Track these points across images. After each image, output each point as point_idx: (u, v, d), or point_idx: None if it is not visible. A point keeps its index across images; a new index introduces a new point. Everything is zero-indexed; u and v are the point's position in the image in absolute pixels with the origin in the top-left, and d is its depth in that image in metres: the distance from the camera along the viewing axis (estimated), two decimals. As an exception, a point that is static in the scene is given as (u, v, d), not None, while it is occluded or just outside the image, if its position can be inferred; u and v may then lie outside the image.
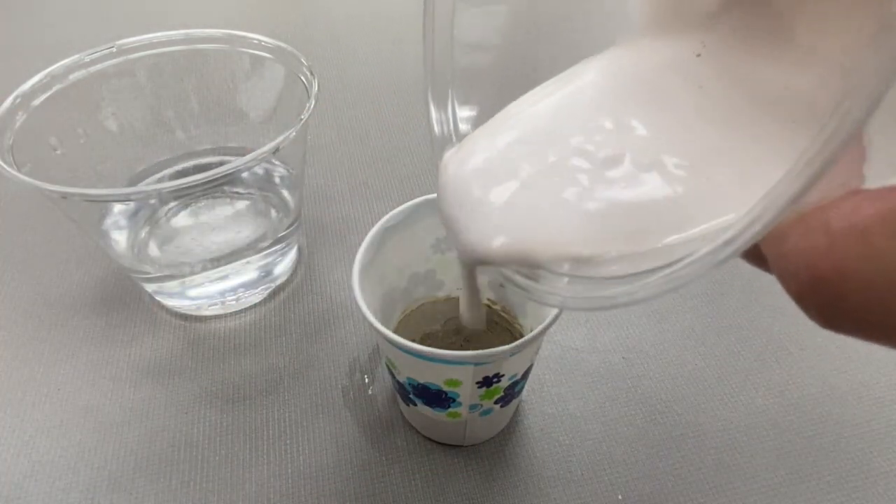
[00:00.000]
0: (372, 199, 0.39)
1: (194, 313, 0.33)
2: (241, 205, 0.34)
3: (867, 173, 0.10)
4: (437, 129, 0.18)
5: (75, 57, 0.30)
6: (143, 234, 0.32)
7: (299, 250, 0.36)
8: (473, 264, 0.18)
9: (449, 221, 0.16)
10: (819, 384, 0.30)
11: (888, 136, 0.10)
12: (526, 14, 0.18)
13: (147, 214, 0.32)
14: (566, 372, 0.30)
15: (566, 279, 0.14)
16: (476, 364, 0.21)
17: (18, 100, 0.28)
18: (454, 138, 0.18)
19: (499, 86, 0.17)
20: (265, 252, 0.32)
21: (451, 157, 0.16)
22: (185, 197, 0.32)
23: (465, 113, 0.18)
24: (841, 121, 0.08)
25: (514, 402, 0.26)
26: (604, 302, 0.13)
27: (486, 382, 0.22)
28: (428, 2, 0.16)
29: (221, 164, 0.24)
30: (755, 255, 0.11)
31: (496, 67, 0.18)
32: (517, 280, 0.16)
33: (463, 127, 0.18)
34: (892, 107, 0.08)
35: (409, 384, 0.23)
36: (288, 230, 0.33)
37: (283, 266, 0.34)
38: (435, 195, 0.26)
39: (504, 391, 0.24)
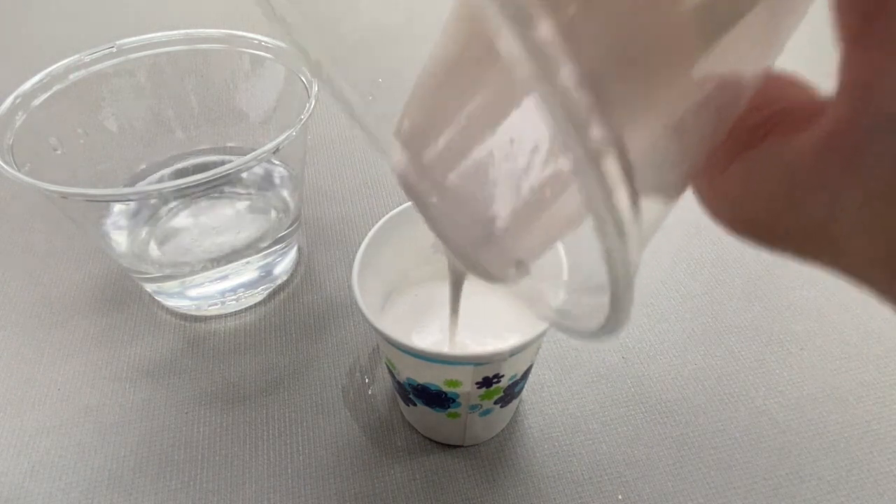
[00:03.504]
0: (372, 199, 0.39)
1: (194, 313, 0.33)
2: (241, 205, 0.34)
3: (768, 60, 0.10)
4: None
5: (75, 57, 0.30)
6: (143, 234, 0.32)
7: (299, 250, 0.36)
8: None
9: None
10: (819, 384, 0.30)
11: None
12: None
13: (147, 214, 0.32)
14: (566, 372, 0.30)
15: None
16: (476, 364, 0.21)
17: (18, 100, 0.28)
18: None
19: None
20: (265, 252, 0.32)
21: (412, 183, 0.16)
22: (186, 197, 0.32)
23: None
24: None
25: (514, 402, 0.26)
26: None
27: (486, 383, 0.22)
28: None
29: (222, 164, 0.24)
30: None
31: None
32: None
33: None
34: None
35: (409, 384, 0.23)
36: (288, 230, 0.33)
37: (283, 266, 0.34)
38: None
39: (504, 391, 0.24)
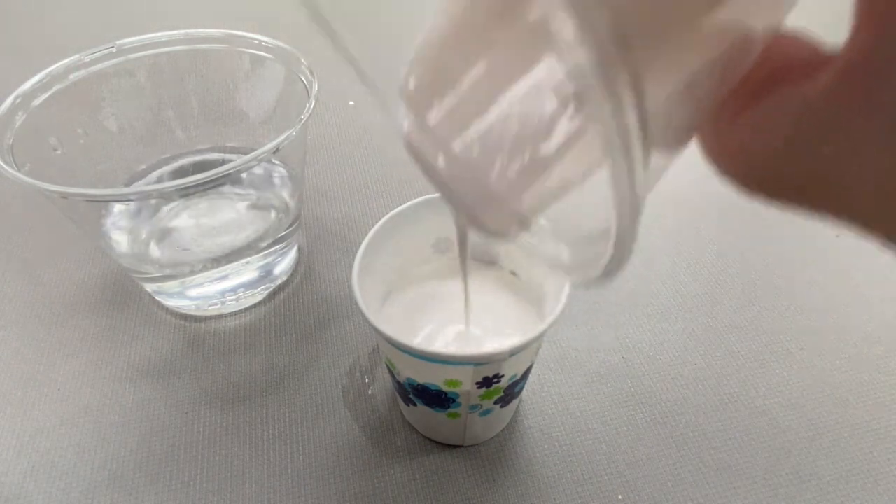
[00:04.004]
0: (372, 199, 0.39)
1: (194, 313, 0.33)
2: (241, 205, 0.34)
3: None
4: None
5: (75, 57, 0.30)
6: (143, 234, 0.32)
7: (299, 250, 0.36)
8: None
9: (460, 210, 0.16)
10: (819, 384, 0.30)
11: None
12: None
13: (147, 214, 0.32)
14: (566, 372, 0.30)
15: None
16: (476, 364, 0.21)
17: (18, 100, 0.28)
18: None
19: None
20: (265, 252, 0.32)
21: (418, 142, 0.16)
22: (186, 197, 0.32)
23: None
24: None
25: (514, 402, 0.26)
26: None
27: (486, 383, 0.22)
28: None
29: (221, 163, 0.24)
30: None
31: None
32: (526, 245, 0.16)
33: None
34: None
35: (409, 384, 0.23)
36: (288, 230, 0.33)
37: (283, 266, 0.34)
38: (434, 196, 0.26)
39: (504, 391, 0.24)
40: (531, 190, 0.14)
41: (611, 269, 0.11)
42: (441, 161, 0.15)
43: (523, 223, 0.15)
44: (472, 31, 0.14)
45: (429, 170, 0.16)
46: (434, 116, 0.15)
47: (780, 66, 0.11)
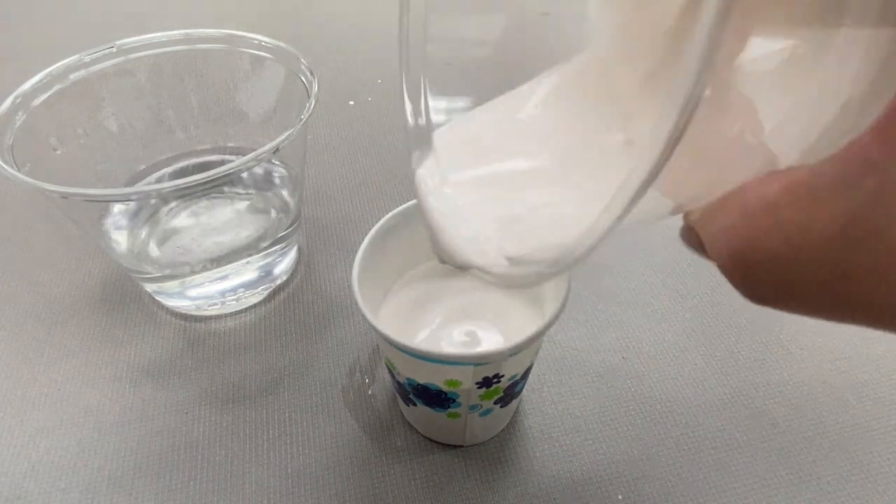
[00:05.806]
0: (372, 199, 0.39)
1: (194, 313, 0.33)
2: (241, 205, 0.34)
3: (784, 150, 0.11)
4: (411, 120, 0.18)
5: (75, 57, 0.30)
6: (143, 234, 0.32)
7: (299, 250, 0.36)
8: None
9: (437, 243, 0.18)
10: (819, 384, 0.30)
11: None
12: (513, 17, 0.19)
13: (147, 214, 0.32)
14: (566, 372, 0.30)
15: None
16: (476, 364, 0.21)
17: (18, 100, 0.28)
18: (428, 131, 0.18)
19: (473, 80, 0.18)
20: (265, 252, 0.32)
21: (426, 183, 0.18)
22: (186, 197, 0.32)
23: (440, 105, 0.19)
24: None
25: (514, 402, 0.26)
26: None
27: (486, 383, 0.22)
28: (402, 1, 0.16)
29: (221, 163, 0.24)
30: (698, 243, 0.12)
31: (474, 62, 0.19)
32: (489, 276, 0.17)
33: (436, 118, 0.19)
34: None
35: (409, 384, 0.23)
36: (288, 230, 0.33)
37: (283, 266, 0.34)
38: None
39: (504, 391, 0.24)
40: (522, 239, 0.16)
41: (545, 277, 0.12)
42: (446, 216, 0.17)
43: (511, 262, 0.16)
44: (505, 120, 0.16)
45: (432, 221, 0.18)
46: (455, 177, 0.17)
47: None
